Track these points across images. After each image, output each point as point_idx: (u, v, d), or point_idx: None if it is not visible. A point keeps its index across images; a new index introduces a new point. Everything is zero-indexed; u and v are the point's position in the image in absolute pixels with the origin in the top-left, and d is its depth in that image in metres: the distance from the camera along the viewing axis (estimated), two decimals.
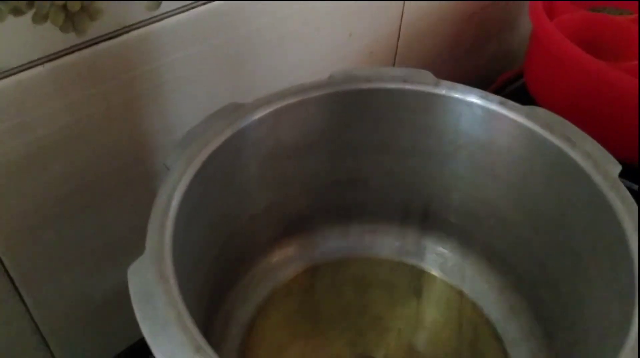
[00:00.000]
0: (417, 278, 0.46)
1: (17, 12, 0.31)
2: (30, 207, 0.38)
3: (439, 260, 0.47)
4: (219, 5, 0.39)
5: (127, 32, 0.36)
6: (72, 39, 0.34)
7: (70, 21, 0.33)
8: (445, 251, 0.47)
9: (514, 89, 0.65)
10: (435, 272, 0.47)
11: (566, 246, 0.38)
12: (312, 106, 0.40)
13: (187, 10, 0.38)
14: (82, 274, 0.43)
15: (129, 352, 0.43)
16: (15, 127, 0.34)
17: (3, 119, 0.34)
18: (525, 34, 0.64)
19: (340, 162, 0.44)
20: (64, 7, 0.33)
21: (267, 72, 0.46)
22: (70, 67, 0.35)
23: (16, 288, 0.40)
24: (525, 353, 0.41)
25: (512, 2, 0.68)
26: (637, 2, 0.60)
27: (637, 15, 0.57)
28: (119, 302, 0.45)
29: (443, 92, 0.40)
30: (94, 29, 0.35)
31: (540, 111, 0.39)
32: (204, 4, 0.39)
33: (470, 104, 0.40)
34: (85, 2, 0.33)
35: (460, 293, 0.45)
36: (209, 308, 0.39)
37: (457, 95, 0.40)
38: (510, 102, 0.39)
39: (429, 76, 0.41)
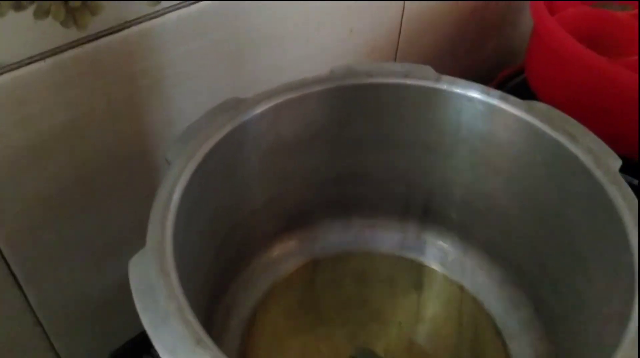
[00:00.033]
0: (418, 272, 0.47)
1: (18, 7, 0.31)
2: (32, 202, 0.38)
3: (440, 254, 0.47)
4: (220, 1, 0.39)
5: (128, 27, 0.36)
6: (73, 34, 0.34)
7: (72, 16, 0.33)
8: (445, 245, 0.47)
9: (515, 84, 0.65)
10: (435, 266, 0.47)
11: (566, 240, 0.38)
12: (312, 100, 0.40)
13: (188, 5, 0.38)
14: (84, 268, 0.44)
15: (130, 345, 0.43)
16: (16, 122, 0.35)
17: (4, 113, 0.34)
18: (527, 29, 0.64)
19: (341, 156, 0.44)
20: (65, 2, 0.33)
21: (267, 68, 0.46)
22: (71, 63, 0.35)
23: (18, 283, 0.40)
24: (525, 347, 0.41)
25: None
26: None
27: (637, 10, 0.57)
28: (120, 296, 0.45)
29: (444, 87, 0.40)
30: (95, 24, 0.35)
31: (541, 105, 0.39)
32: None
33: (471, 99, 0.40)
34: None
35: (461, 287, 0.45)
36: (209, 302, 0.39)
37: (458, 90, 0.40)
38: (511, 97, 0.39)
39: (430, 71, 0.41)
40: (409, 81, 0.41)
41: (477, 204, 0.44)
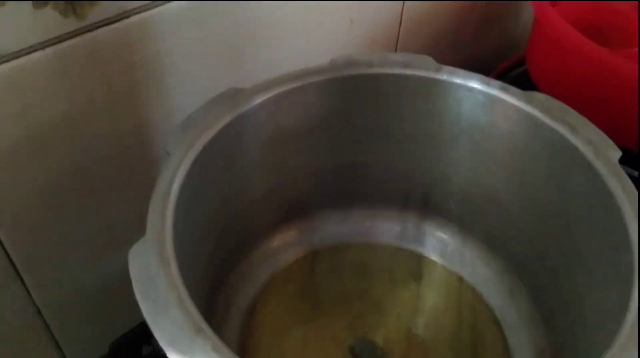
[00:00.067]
0: (417, 263, 0.47)
1: None
2: (31, 191, 0.38)
3: (439, 245, 0.47)
4: None
5: (127, 17, 0.36)
6: (72, 23, 0.34)
7: (71, 6, 0.33)
8: (445, 236, 0.47)
9: (516, 75, 0.64)
10: (435, 257, 0.47)
11: (566, 231, 0.38)
12: (312, 91, 0.40)
13: None
14: (83, 258, 0.44)
15: (130, 335, 0.44)
16: (16, 112, 0.34)
17: (3, 103, 0.34)
18: (528, 20, 0.64)
19: (341, 147, 0.44)
20: None
21: (267, 59, 0.46)
22: (70, 52, 0.35)
23: (18, 273, 0.40)
24: (524, 338, 0.41)
25: None
26: None
27: (637, 1, 0.57)
28: (120, 286, 0.45)
29: (444, 77, 0.40)
30: (95, 14, 0.35)
31: (541, 96, 0.39)
32: None
33: (472, 89, 0.40)
34: None
35: (460, 278, 0.46)
36: (209, 292, 0.39)
37: (458, 80, 0.40)
38: (512, 88, 0.39)
39: (430, 61, 0.41)
40: (409, 71, 0.40)
41: (476, 195, 0.44)
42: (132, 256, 0.29)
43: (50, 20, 0.33)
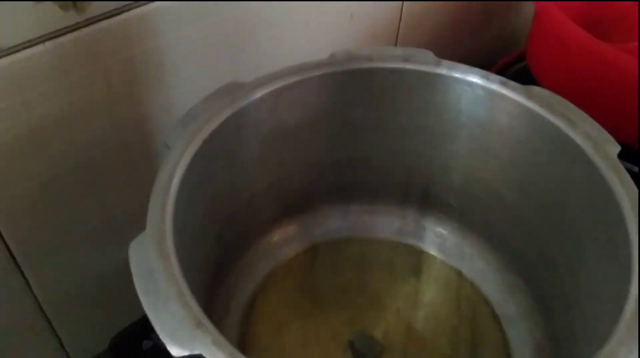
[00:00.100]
0: (417, 258, 0.47)
1: None
2: (31, 185, 0.38)
3: (438, 240, 0.47)
4: None
5: (127, 10, 0.36)
6: (72, 17, 0.34)
7: None
8: (444, 231, 0.47)
9: (517, 70, 0.64)
10: (434, 252, 0.47)
11: (565, 226, 0.38)
12: (312, 85, 0.40)
13: None
14: (83, 252, 0.44)
15: (131, 329, 0.44)
16: (16, 106, 0.34)
17: (3, 97, 0.34)
18: (528, 15, 0.64)
19: (341, 141, 0.44)
20: None
21: (266, 53, 0.46)
22: (70, 46, 0.35)
23: (18, 266, 0.40)
24: (522, 332, 0.42)
25: None
26: None
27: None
28: (120, 280, 0.45)
29: (444, 72, 0.40)
30: (94, 8, 0.34)
31: (541, 91, 0.39)
32: None
33: (471, 84, 0.40)
34: None
35: (459, 273, 0.46)
36: (210, 286, 0.39)
37: (458, 75, 0.40)
38: (511, 82, 0.39)
39: (430, 55, 0.41)
40: (408, 66, 0.40)
41: (476, 190, 0.44)
42: (132, 251, 0.29)
43: (50, 14, 0.33)
